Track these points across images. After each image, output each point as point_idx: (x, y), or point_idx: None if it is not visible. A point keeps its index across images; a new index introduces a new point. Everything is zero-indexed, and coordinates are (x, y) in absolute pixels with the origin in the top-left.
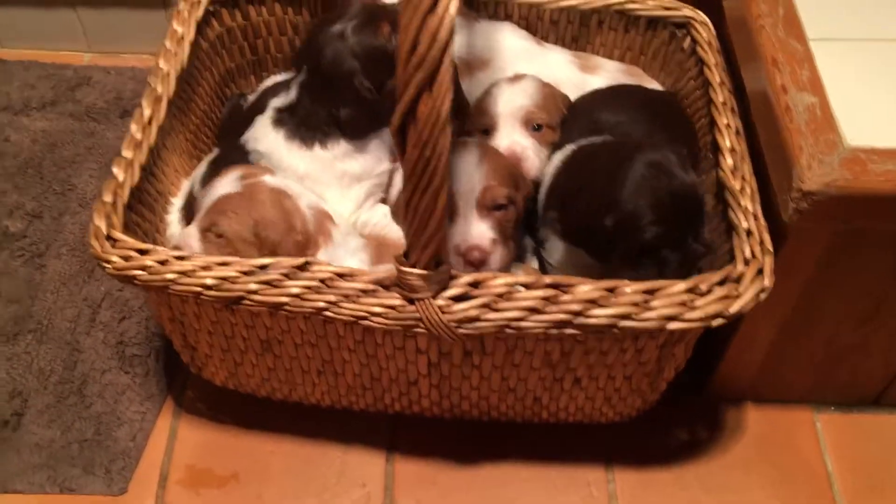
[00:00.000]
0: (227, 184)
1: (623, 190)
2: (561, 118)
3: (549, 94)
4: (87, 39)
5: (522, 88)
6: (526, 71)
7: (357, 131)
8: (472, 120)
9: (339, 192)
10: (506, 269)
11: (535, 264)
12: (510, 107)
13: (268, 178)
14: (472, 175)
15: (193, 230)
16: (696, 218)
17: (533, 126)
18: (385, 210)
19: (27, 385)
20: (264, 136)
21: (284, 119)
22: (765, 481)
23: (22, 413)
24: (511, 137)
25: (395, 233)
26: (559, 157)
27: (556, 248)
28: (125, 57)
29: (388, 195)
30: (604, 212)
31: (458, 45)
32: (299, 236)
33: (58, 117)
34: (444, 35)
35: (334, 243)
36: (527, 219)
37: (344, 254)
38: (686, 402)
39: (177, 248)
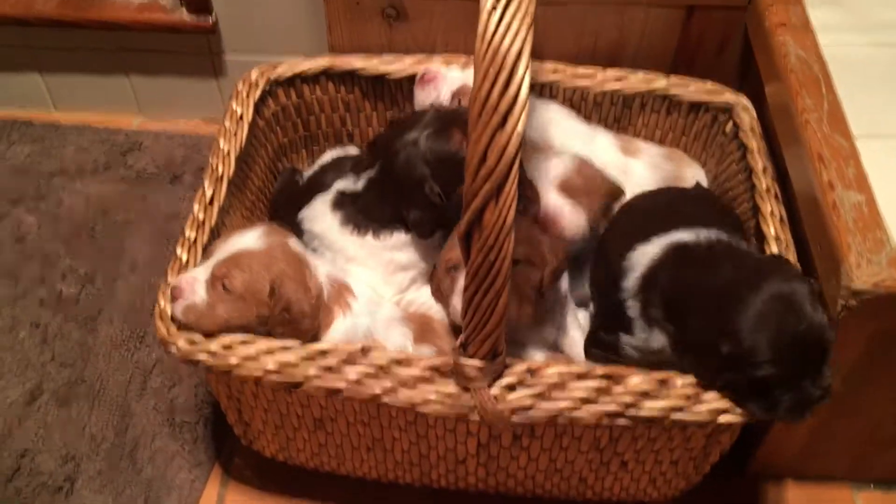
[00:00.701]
0: (250, 238)
1: (744, 320)
2: (604, 202)
3: (590, 170)
4: (139, 104)
5: (563, 161)
6: (576, 151)
7: (424, 232)
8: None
9: (384, 277)
10: (521, 328)
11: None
12: (549, 175)
13: (291, 241)
14: None
15: (202, 275)
16: (819, 361)
17: (570, 193)
18: (429, 291)
19: (80, 450)
20: (322, 215)
21: (345, 204)
22: None
23: (74, 479)
24: (547, 198)
25: (440, 312)
26: (651, 248)
27: (646, 338)
28: (175, 122)
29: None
30: (721, 336)
31: None
32: (315, 300)
33: (110, 181)
34: (511, 150)
35: (353, 312)
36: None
37: (373, 323)
38: (728, 480)
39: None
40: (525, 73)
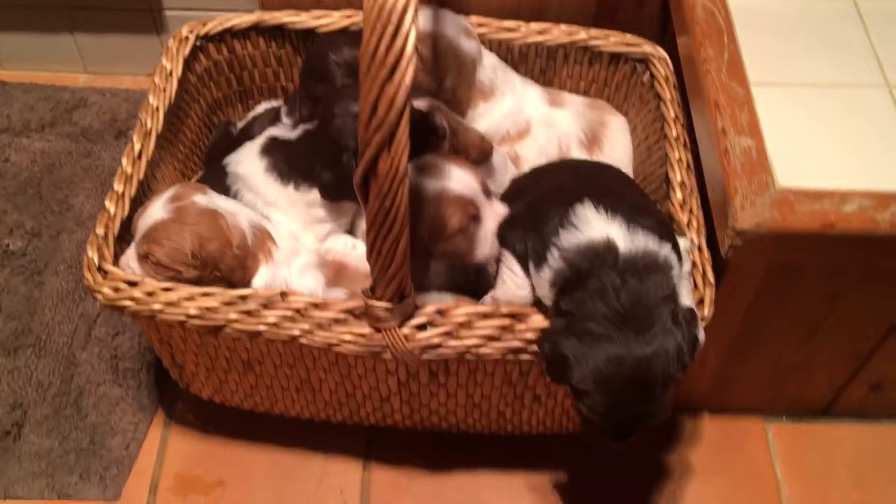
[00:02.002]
0: (158, 209)
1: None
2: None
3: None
4: (84, 61)
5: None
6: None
7: (330, 194)
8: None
9: (303, 227)
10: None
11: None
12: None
13: (198, 198)
14: None
15: (132, 254)
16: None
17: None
18: (346, 240)
19: (27, 397)
20: (248, 159)
21: (274, 150)
22: (717, 488)
23: (22, 424)
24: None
25: (355, 260)
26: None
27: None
28: (120, 77)
29: (357, 228)
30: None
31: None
32: (237, 250)
33: (56, 138)
34: (400, 101)
35: (275, 262)
36: None
37: (289, 272)
38: None
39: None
40: (411, 26)
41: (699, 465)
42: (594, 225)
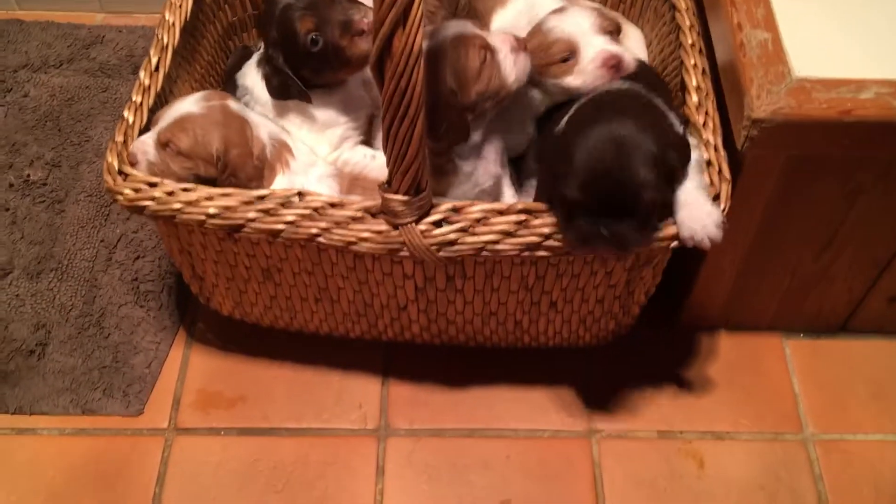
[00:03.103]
0: (190, 103)
1: (573, 145)
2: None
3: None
4: (100, 0)
5: (580, 11)
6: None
7: (272, 91)
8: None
9: (311, 135)
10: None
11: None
12: (582, 26)
13: (231, 103)
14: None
15: (149, 139)
16: (632, 209)
17: (610, 33)
18: (365, 151)
19: (50, 318)
20: (250, 70)
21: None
22: (734, 403)
23: (46, 343)
24: (601, 46)
25: (375, 171)
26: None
27: None
28: (136, 16)
29: (374, 137)
30: (555, 156)
31: None
32: (257, 161)
33: (74, 74)
34: None
35: (292, 171)
36: None
37: (306, 181)
38: (661, 331)
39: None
40: None
41: (716, 380)
42: None
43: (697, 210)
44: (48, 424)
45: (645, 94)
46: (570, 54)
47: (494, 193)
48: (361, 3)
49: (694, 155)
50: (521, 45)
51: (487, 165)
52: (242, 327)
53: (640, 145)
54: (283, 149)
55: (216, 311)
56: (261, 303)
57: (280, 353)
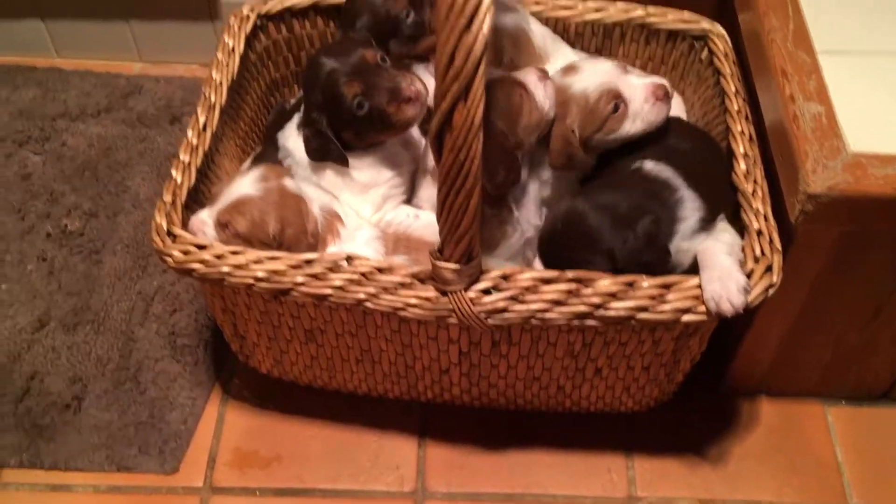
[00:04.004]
0: (248, 184)
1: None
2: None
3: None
4: (139, 49)
5: (596, 61)
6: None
7: (310, 153)
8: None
9: (353, 196)
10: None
11: None
12: (611, 73)
13: (287, 182)
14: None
15: (208, 219)
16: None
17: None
18: (408, 210)
19: (86, 372)
20: (291, 134)
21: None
22: (777, 471)
23: (82, 397)
24: (640, 83)
25: (418, 231)
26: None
27: None
28: (174, 66)
29: (417, 196)
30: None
31: None
32: (311, 238)
33: (112, 123)
34: (478, 51)
35: (342, 239)
36: None
37: (354, 246)
38: (703, 397)
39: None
40: None
41: (759, 447)
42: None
43: (720, 273)
44: (83, 481)
45: (654, 170)
46: (618, 102)
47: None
48: (406, 70)
49: (727, 237)
50: (544, 74)
51: (529, 215)
52: (279, 384)
53: (583, 227)
54: (333, 219)
55: (255, 368)
56: (301, 362)
57: (316, 411)
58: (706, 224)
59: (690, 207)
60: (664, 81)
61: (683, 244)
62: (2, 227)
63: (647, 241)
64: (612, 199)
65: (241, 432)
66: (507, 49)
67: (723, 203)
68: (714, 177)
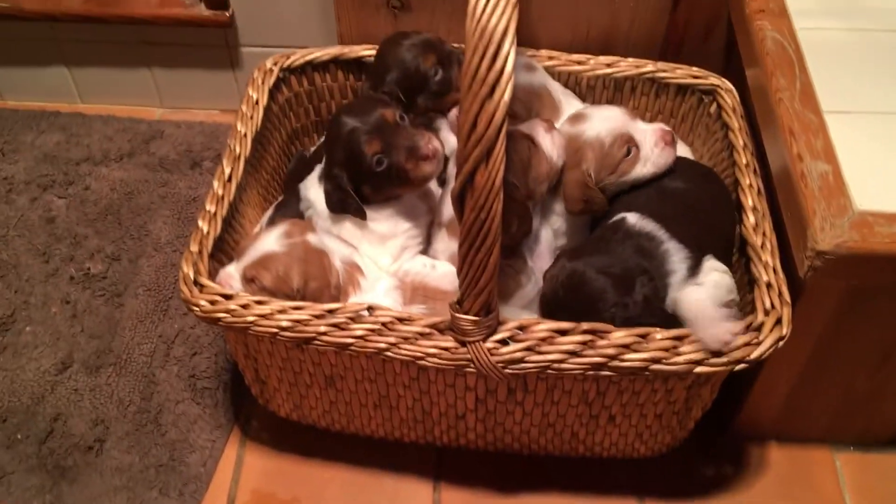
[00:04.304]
0: (273, 240)
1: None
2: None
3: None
4: (160, 95)
5: (606, 108)
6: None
7: (330, 206)
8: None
9: (371, 247)
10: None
11: None
12: (620, 119)
13: (310, 238)
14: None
15: (236, 273)
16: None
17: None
18: (424, 260)
19: (108, 414)
20: (313, 185)
21: None
22: None
23: (104, 439)
24: (649, 128)
25: (435, 280)
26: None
27: None
28: (194, 112)
29: (433, 248)
30: None
31: None
32: (334, 290)
33: (134, 168)
34: (499, 118)
35: (362, 290)
36: None
37: (374, 297)
38: (713, 441)
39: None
40: (510, 48)
41: (769, 492)
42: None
43: (704, 324)
44: None
45: (636, 225)
46: (630, 146)
47: None
48: (423, 129)
49: (714, 277)
50: (550, 125)
51: (543, 264)
52: (297, 427)
53: (586, 291)
54: (353, 270)
55: (274, 412)
56: (320, 406)
57: (333, 454)
58: (694, 270)
59: (677, 259)
60: (669, 128)
61: (676, 294)
62: (27, 270)
63: (646, 305)
64: (607, 262)
65: (260, 474)
66: (535, 104)
67: (714, 239)
68: (704, 217)
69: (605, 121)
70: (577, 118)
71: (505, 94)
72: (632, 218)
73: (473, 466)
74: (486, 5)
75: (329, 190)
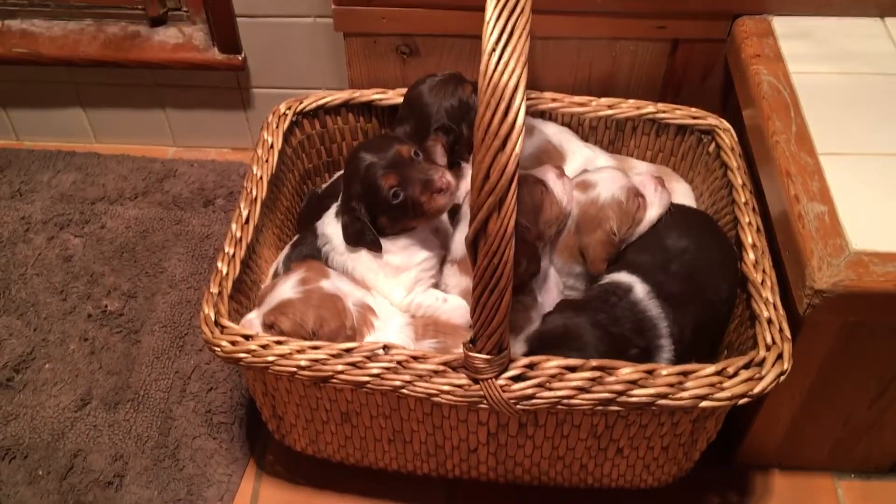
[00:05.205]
0: (289, 288)
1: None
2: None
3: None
4: (173, 135)
5: (611, 168)
6: (578, 160)
7: (347, 239)
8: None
9: (385, 279)
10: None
11: None
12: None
13: (324, 284)
14: None
15: (257, 321)
16: None
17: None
18: (436, 294)
19: (127, 449)
20: (330, 222)
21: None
22: None
23: (123, 475)
24: (640, 177)
25: (446, 314)
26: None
27: None
28: (206, 150)
29: (444, 283)
30: None
31: None
32: (350, 332)
33: (148, 206)
34: (511, 169)
35: (377, 330)
36: None
37: (386, 336)
38: (717, 470)
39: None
40: (521, 103)
41: None
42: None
43: None
44: None
45: (641, 303)
46: (638, 197)
47: None
48: (437, 164)
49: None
50: (561, 171)
51: (551, 300)
52: (311, 460)
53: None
54: (366, 311)
55: (290, 446)
56: (336, 441)
57: (347, 487)
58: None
59: (667, 344)
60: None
61: None
62: (45, 308)
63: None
64: (604, 319)
65: None
66: (543, 160)
67: (704, 308)
68: (702, 283)
69: (613, 181)
70: (585, 186)
71: (516, 146)
72: (639, 291)
73: (485, 498)
74: (497, 63)
75: (347, 223)
